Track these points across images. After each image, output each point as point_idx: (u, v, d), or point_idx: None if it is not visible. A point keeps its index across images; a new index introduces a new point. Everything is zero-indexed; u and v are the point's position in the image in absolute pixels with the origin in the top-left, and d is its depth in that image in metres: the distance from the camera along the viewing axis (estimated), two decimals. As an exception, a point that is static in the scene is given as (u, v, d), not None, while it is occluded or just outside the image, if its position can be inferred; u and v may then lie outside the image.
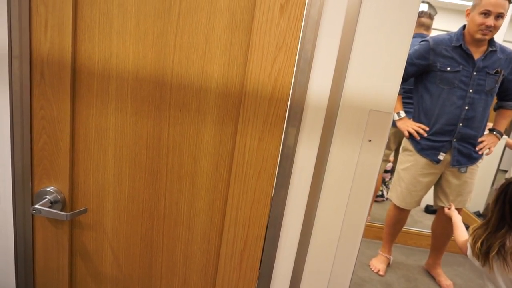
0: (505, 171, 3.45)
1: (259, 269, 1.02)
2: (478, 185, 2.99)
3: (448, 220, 2.03)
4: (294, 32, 0.87)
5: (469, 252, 1.48)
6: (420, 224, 2.77)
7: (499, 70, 1.80)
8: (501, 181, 3.19)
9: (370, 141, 0.92)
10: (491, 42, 1.80)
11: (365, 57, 0.91)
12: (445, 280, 2.11)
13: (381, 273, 2.12)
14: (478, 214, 3.07)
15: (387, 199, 2.17)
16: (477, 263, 1.42)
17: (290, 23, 0.87)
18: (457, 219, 1.81)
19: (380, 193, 2.97)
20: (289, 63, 0.89)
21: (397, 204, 2.06)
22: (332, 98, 0.93)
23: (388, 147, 2.55)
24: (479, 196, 3.12)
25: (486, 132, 1.94)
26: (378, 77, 0.90)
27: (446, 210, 1.91)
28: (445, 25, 2.00)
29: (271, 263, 1.03)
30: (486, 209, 3.14)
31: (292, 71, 0.90)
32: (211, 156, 0.94)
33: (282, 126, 0.93)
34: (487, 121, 1.89)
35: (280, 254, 1.02)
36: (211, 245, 1.00)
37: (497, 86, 1.84)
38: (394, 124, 2.04)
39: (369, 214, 2.68)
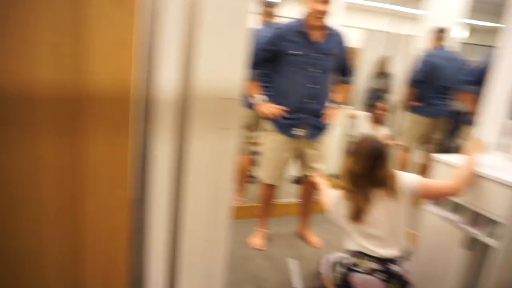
0: (353, 135, 4.03)
1: (130, 275, 0.94)
2: (331, 150, 3.44)
3: (311, 187, 2.28)
4: (132, 26, 0.80)
5: (333, 214, 1.65)
6: (289, 194, 3.02)
7: (334, 50, 2.08)
8: (349, 146, 3.73)
9: (223, 128, 0.94)
10: (327, 26, 2.06)
11: (211, 48, 0.90)
12: (315, 238, 2.39)
13: (261, 248, 2.26)
14: (335, 176, 3.54)
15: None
16: (343, 221, 1.59)
17: (126, 16, 0.79)
18: (322, 185, 2.03)
19: (251, 174, 3.14)
20: (129, 59, 0.82)
21: (266, 181, 2.22)
22: (182, 90, 0.90)
23: (251, 129, 2.70)
24: (333, 159, 3.60)
25: (329, 105, 2.23)
26: (223, 67, 0.92)
27: (312, 177, 2.13)
28: (293, 13, 2.23)
29: (140, 269, 0.97)
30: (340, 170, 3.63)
31: (134, 67, 0.84)
32: (51, 172, 0.80)
33: (131, 127, 0.87)
34: (328, 95, 2.17)
35: (152, 257, 0.97)
36: (71, 271, 0.88)
37: (333, 64, 2.12)
38: (253, 107, 2.17)
39: (243, 196, 2.81)
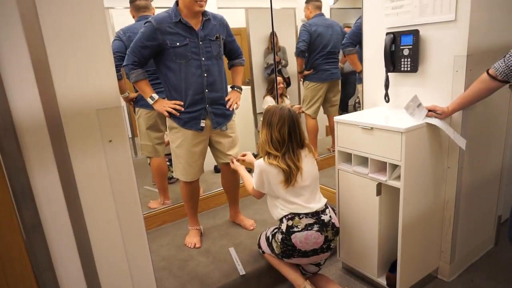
0: (261, 113, 4.14)
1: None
2: (245, 132, 3.50)
3: (231, 173, 2.29)
4: None
5: (265, 187, 1.74)
6: (216, 184, 3.02)
7: (218, 35, 2.04)
8: (260, 123, 3.83)
9: (110, 141, 0.86)
10: (204, 12, 2.00)
11: (67, 59, 0.81)
12: (248, 221, 2.43)
13: (197, 245, 2.23)
14: (254, 155, 3.63)
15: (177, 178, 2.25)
16: (276, 189, 1.70)
17: None
18: (242, 170, 2.06)
19: (171, 175, 3.04)
20: None
21: (183, 179, 2.15)
22: (48, 109, 0.79)
23: (158, 129, 2.59)
24: (249, 140, 3.67)
25: (229, 90, 2.22)
26: (90, 76, 0.83)
27: (231, 165, 2.14)
28: (169, 3, 2.11)
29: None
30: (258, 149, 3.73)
31: None
32: None
33: (-1, 163, 0.74)
34: (226, 81, 2.16)
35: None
36: None
37: (221, 49, 2.09)
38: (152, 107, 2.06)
39: (168, 198, 2.72)
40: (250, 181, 1.90)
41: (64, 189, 0.84)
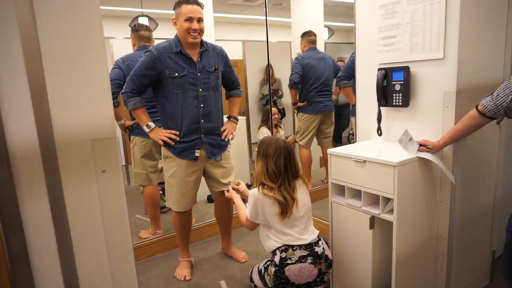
0: (255, 143, 4.16)
1: None
2: (239, 162, 3.50)
3: (224, 204, 2.27)
4: None
5: (259, 217, 1.72)
6: (208, 215, 2.98)
7: (216, 67, 2.09)
8: (254, 153, 3.85)
9: (104, 171, 0.86)
10: (202, 43, 2.06)
11: (65, 89, 0.82)
12: (240, 254, 2.38)
13: (187, 278, 2.17)
14: (248, 185, 3.61)
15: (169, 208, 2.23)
16: (271, 219, 1.67)
17: None
18: (237, 199, 2.04)
19: (163, 204, 3.00)
20: None
21: (176, 209, 2.12)
22: (43, 138, 0.80)
23: (153, 158, 2.58)
24: (243, 170, 3.66)
25: (225, 120, 2.25)
26: (87, 106, 0.84)
27: (226, 193, 2.11)
28: (169, 34, 2.18)
29: None
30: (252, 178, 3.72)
31: None
32: None
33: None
34: (222, 112, 2.19)
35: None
36: None
37: (219, 81, 2.14)
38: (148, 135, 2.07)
39: (159, 228, 2.67)
40: (244, 211, 1.88)
41: (54, 218, 0.83)
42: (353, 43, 2.20)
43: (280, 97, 4.32)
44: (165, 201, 2.59)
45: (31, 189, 0.80)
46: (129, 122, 2.56)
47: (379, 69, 1.91)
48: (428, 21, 1.71)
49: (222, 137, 2.14)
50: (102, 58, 0.83)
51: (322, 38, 3.79)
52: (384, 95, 1.91)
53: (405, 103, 1.85)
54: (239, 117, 2.37)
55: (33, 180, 0.80)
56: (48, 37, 0.78)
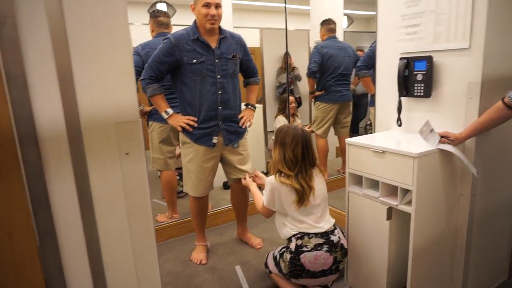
0: (272, 131, 4.17)
1: None
2: (256, 150, 3.52)
3: (240, 190, 2.29)
4: None
5: (275, 205, 1.73)
6: (224, 201, 3.02)
7: (234, 54, 2.09)
8: (271, 141, 3.85)
9: (127, 154, 0.88)
10: (221, 30, 2.05)
11: (91, 73, 0.84)
12: (255, 240, 2.41)
13: (203, 261, 2.21)
14: (264, 173, 3.63)
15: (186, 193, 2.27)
16: (287, 207, 1.68)
17: None
18: (253, 187, 2.07)
19: (180, 189, 3.05)
20: None
21: (193, 194, 2.16)
22: (69, 121, 0.82)
23: (171, 143, 2.62)
24: (259, 159, 3.68)
25: (243, 107, 2.25)
26: (112, 90, 0.86)
27: (243, 181, 2.14)
28: (187, 20, 2.18)
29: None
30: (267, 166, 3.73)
31: (5, 103, 0.74)
32: None
33: (19, 170, 0.77)
34: (240, 99, 2.19)
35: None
36: None
37: (237, 68, 2.13)
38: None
39: (176, 212, 2.72)
40: (260, 198, 1.90)
41: (80, 198, 0.86)
42: (373, 32, 2.15)
43: (297, 85, 4.29)
44: (182, 186, 2.64)
45: (58, 169, 0.83)
46: (147, 108, 2.60)
47: (400, 59, 1.87)
48: (454, 9, 1.65)
49: (240, 124, 2.15)
50: (126, 43, 0.84)
51: (341, 27, 3.72)
52: (405, 85, 1.87)
53: (427, 93, 1.81)
54: (256, 105, 2.37)
55: (60, 161, 0.83)
56: (74, 23, 0.79)
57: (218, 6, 1.95)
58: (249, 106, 2.26)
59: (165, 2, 3.56)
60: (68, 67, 0.81)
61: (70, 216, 0.86)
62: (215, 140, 2.06)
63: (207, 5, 1.92)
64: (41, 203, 0.81)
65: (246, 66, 2.23)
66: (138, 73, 2.27)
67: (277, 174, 1.71)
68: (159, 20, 2.55)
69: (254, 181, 2.11)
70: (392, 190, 1.70)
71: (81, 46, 0.82)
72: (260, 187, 2.04)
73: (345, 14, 3.89)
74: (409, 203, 1.61)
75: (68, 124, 0.82)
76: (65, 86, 0.81)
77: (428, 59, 1.77)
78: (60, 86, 0.80)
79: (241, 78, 2.27)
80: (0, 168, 0.74)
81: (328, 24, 3.37)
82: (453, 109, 1.74)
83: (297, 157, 1.68)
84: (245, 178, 2.15)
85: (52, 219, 0.83)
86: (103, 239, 0.88)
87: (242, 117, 2.17)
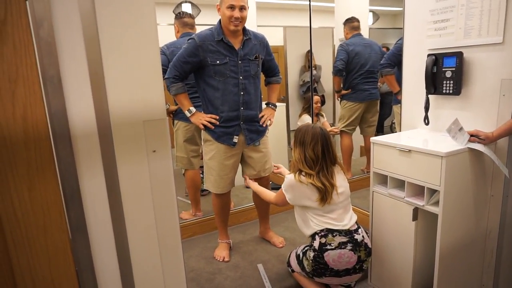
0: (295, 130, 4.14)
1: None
2: (278, 148, 3.52)
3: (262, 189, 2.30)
4: (27, 60, 0.75)
5: (296, 199, 1.74)
6: (246, 199, 3.04)
7: (257, 55, 2.10)
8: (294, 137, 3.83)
9: (154, 151, 0.91)
10: (245, 31, 2.07)
11: (120, 73, 0.87)
12: (277, 239, 2.41)
13: (226, 259, 2.23)
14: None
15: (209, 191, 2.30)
16: (309, 204, 1.68)
17: (18, 50, 0.74)
18: (255, 185, 2.10)
19: (203, 187, 3.09)
20: (34, 95, 0.76)
21: (214, 191, 2.19)
22: (100, 119, 0.85)
23: (195, 143, 2.66)
24: (281, 158, 3.67)
25: (264, 107, 2.26)
26: (140, 89, 0.88)
27: (244, 183, 2.17)
28: (211, 20, 2.21)
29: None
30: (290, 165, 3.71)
31: (42, 102, 0.78)
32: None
33: (53, 166, 0.80)
34: (261, 99, 2.20)
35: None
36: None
37: (260, 69, 2.14)
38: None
39: (199, 210, 2.76)
40: (267, 192, 1.99)
41: (109, 193, 0.89)
42: (399, 28, 2.10)
43: (321, 84, 4.24)
44: (205, 183, 2.68)
45: (89, 166, 0.86)
46: (173, 107, 2.65)
47: (428, 55, 1.82)
48: (487, 2, 1.59)
49: (261, 123, 2.16)
50: (154, 44, 0.87)
51: (366, 24, 3.65)
52: (434, 83, 1.82)
53: (457, 91, 1.75)
54: (278, 104, 2.36)
55: (91, 157, 0.86)
56: (105, 24, 0.82)
57: (243, 8, 1.96)
58: (270, 105, 2.27)
59: (190, 2, 3.60)
60: (99, 67, 0.84)
61: (99, 211, 0.89)
62: (235, 139, 2.08)
63: (232, 7, 1.93)
64: (73, 198, 0.85)
65: (268, 65, 2.23)
66: (163, 72, 2.32)
67: (297, 173, 1.70)
68: (184, 21, 2.59)
69: (274, 172, 2.17)
70: (418, 190, 1.66)
71: (112, 46, 0.85)
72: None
73: (370, 11, 3.81)
74: (436, 203, 1.56)
75: (99, 122, 0.85)
76: (97, 86, 0.84)
77: (458, 55, 1.72)
78: (91, 86, 0.83)
79: (262, 77, 2.28)
80: (38, 164, 0.78)
81: (351, 22, 3.32)
82: (484, 107, 1.68)
83: (317, 155, 1.68)
84: (246, 180, 2.18)
85: (83, 214, 0.86)
86: (130, 233, 0.90)
87: (262, 116, 2.17)
